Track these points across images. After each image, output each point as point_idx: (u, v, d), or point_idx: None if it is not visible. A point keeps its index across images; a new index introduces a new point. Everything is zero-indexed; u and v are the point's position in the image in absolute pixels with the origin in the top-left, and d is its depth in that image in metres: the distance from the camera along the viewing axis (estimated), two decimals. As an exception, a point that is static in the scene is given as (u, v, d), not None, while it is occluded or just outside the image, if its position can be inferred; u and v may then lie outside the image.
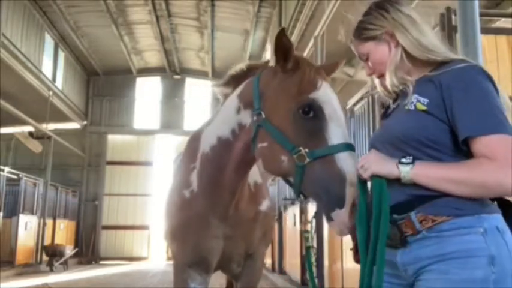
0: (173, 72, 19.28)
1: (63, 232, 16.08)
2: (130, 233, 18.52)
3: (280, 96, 1.75)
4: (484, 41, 3.08)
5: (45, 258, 13.38)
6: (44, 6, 13.78)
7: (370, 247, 1.35)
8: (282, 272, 9.65)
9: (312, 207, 6.59)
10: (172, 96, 19.64)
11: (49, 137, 14.81)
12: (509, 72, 3.25)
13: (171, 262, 2.69)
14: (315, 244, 5.70)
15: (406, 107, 1.41)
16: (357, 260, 1.48)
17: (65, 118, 17.07)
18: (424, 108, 1.36)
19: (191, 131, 2.80)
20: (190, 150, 2.46)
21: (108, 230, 18.34)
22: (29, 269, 12.54)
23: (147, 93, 19.75)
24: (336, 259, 5.36)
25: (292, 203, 9.02)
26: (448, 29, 3.22)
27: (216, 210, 2.28)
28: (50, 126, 14.78)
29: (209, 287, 2.54)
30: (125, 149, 19.12)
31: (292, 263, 8.51)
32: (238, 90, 2.07)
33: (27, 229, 12.86)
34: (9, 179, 12.40)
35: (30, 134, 16.76)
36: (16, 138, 16.51)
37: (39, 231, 13.72)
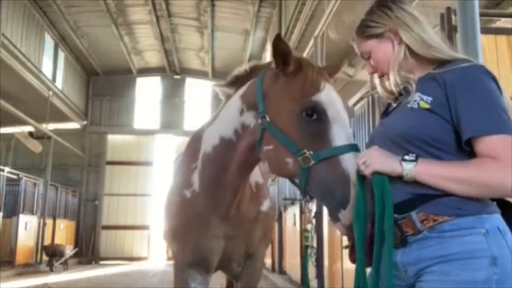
0: (173, 72, 19.28)
1: (63, 232, 16.08)
2: (130, 233, 18.52)
3: (284, 99, 1.76)
4: (484, 41, 3.08)
5: (45, 258, 13.38)
6: (44, 6, 13.78)
7: (376, 247, 1.34)
8: (282, 272, 9.65)
9: (312, 208, 6.58)
10: (172, 96, 19.64)
11: (49, 137, 14.81)
12: (509, 72, 3.25)
13: (171, 262, 2.69)
14: (315, 244, 5.70)
15: (409, 105, 1.41)
16: (353, 260, 1.47)
17: (65, 118, 17.07)
18: (427, 106, 1.36)
19: (191, 131, 2.80)
20: (191, 150, 2.45)
21: (108, 230, 18.34)
22: (29, 269, 12.54)
23: (147, 93, 19.74)
24: (336, 259, 5.36)
25: (292, 203, 9.01)
26: (448, 29, 3.22)
27: (217, 210, 2.28)
28: (50, 126, 14.78)
29: (209, 287, 2.54)
30: (125, 149, 19.12)
31: (292, 263, 8.52)
32: (241, 91, 2.07)
33: (27, 229, 12.85)
34: (9, 179, 12.40)
35: (30, 134, 16.75)
36: (16, 138, 16.50)
37: (39, 231, 13.72)
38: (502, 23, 5.27)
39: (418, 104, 1.38)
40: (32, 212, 13.47)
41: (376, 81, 1.64)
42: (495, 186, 1.25)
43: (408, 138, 1.37)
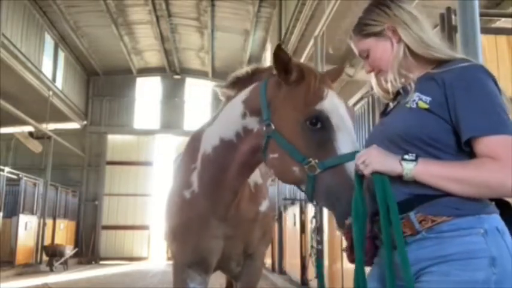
0: (173, 72, 19.28)
1: (63, 232, 16.08)
2: (130, 233, 18.52)
3: (288, 108, 1.77)
4: (484, 41, 3.08)
5: (45, 258, 13.38)
6: (44, 6, 13.77)
7: (386, 248, 1.33)
8: (282, 272, 9.64)
9: (312, 208, 6.59)
10: (172, 96, 19.64)
11: (49, 137, 14.81)
12: (509, 72, 3.25)
13: (171, 262, 2.69)
14: (314, 244, 5.70)
15: (408, 105, 1.40)
16: (351, 260, 1.46)
17: (65, 118, 17.07)
18: (426, 106, 1.35)
19: (191, 131, 2.80)
20: (191, 150, 2.45)
21: (108, 230, 18.33)
22: (29, 269, 12.54)
23: (147, 93, 19.74)
24: (336, 259, 5.36)
25: (292, 203, 9.01)
26: (448, 29, 3.21)
27: (216, 211, 2.28)
28: (50, 126, 14.77)
29: (209, 287, 2.54)
30: (125, 149, 19.11)
31: (292, 263, 8.51)
32: (243, 96, 2.07)
33: (27, 229, 12.85)
34: (9, 179, 12.40)
35: (30, 134, 16.75)
36: (16, 138, 16.50)
37: (39, 231, 13.72)
38: (502, 23, 5.27)
39: (417, 103, 1.37)
40: (32, 212, 13.46)
41: (373, 81, 1.63)
42: (495, 187, 1.25)
43: (407, 138, 1.36)
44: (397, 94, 1.55)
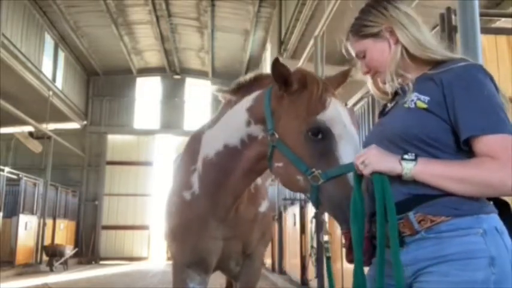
0: (173, 72, 19.28)
1: (63, 232, 16.08)
2: (130, 233, 18.51)
3: (291, 117, 1.78)
4: (484, 41, 3.08)
5: (45, 258, 13.38)
6: (44, 6, 13.77)
7: (379, 248, 1.33)
8: (282, 272, 9.64)
9: (312, 208, 6.58)
10: (172, 96, 19.64)
11: (49, 137, 14.81)
12: (509, 72, 3.25)
13: (171, 262, 2.69)
14: (314, 244, 5.69)
15: (406, 105, 1.40)
16: (349, 260, 1.46)
17: (65, 118, 17.07)
18: (424, 106, 1.35)
19: (191, 131, 2.80)
20: (190, 151, 2.46)
21: (108, 230, 18.33)
22: (29, 269, 12.53)
23: (147, 93, 19.74)
24: (336, 259, 5.36)
25: (292, 203, 9.02)
26: (448, 29, 3.21)
27: (216, 213, 2.29)
28: (50, 126, 14.77)
29: (208, 287, 2.54)
30: (124, 149, 19.11)
31: (292, 263, 8.51)
32: (247, 103, 2.07)
33: (27, 229, 12.85)
34: (9, 179, 12.39)
35: (30, 134, 16.75)
36: (16, 138, 16.50)
37: (39, 231, 13.72)
38: (502, 23, 5.27)
39: (415, 103, 1.37)
40: (32, 212, 13.46)
41: (369, 82, 1.63)
42: (496, 186, 1.25)
43: (406, 138, 1.36)
44: (395, 95, 1.54)
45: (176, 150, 14.19)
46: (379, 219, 1.32)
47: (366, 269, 1.48)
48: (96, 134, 18.97)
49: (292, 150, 1.73)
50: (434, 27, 3.43)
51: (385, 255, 1.34)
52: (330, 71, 6.31)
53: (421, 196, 1.32)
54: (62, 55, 16.44)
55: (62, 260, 13.49)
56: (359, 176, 1.40)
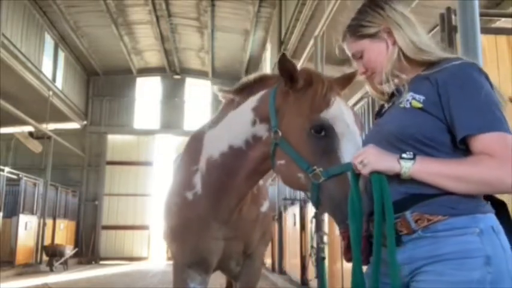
0: (173, 72, 19.28)
1: (63, 232, 16.08)
2: (130, 233, 18.51)
3: (295, 115, 1.78)
4: (484, 41, 3.08)
5: (45, 258, 13.38)
6: (44, 6, 13.77)
7: (375, 247, 1.34)
8: (282, 272, 9.64)
9: (312, 208, 6.58)
10: (172, 96, 19.64)
11: (49, 137, 14.81)
12: (509, 72, 3.25)
13: (171, 262, 2.69)
14: (314, 244, 5.69)
15: (402, 105, 1.40)
16: (348, 259, 1.46)
17: (65, 118, 17.07)
18: (419, 105, 1.36)
19: (191, 131, 2.80)
20: (191, 151, 2.45)
21: (108, 230, 18.34)
22: (29, 269, 12.54)
23: (147, 93, 19.74)
24: (336, 259, 5.36)
25: (292, 203, 9.02)
26: (448, 29, 3.21)
27: (219, 214, 2.29)
28: (50, 126, 14.77)
29: (209, 287, 2.54)
30: (124, 149, 19.11)
31: (292, 263, 8.51)
32: (253, 103, 2.07)
33: (27, 229, 12.85)
34: (9, 179, 12.39)
35: (30, 134, 16.75)
36: (16, 138, 16.50)
37: (39, 231, 13.72)
38: (502, 23, 5.27)
39: (411, 103, 1.38)
40: (32, 212, 13.46)
41: (366, 82, 1.64)
42: (494, 183, 1.25)
43: (402, 138, 1.36)
44: (392, 95, 1.55)
45: (176, 150, 14.19)
46: (376, 218, 1.32)
47: (365, 268, 1.49)
48: (96, 134, 18.97)
49: (294, 147, 1.74)
50: (434, 27, 3.43)
51: (382, 255, 1.34)
52: (330, 71, 6.31)
53: (418, 195, 1.33)
54: (62, 55, 16.44)
55: (62, 260, 13.49)
56: (357, 175, 1.40)
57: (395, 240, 1.33)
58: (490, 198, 1.39)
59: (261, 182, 2.58)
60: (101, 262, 17.29)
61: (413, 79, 1.44)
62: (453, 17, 3.18)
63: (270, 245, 9.51)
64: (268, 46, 14.83)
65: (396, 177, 1.33)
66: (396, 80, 1.48)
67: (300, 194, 7.68)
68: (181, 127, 19.20)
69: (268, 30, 14.64)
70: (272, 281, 9.61)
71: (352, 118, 1.73)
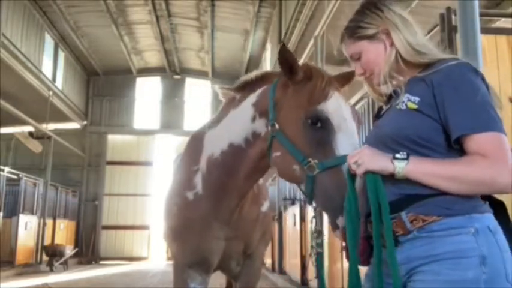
0: (173, 72, 19.28)
1: (63, 232, 16.08)
2: (130, 233, 18.52)
3: (292, 107, 1.79)
4: (484, 41, 3.07)
5: (45, 258, 13.38)
6: (44, 6, 13.78)
7: (375, 247, 1.34)
8: (282, 272, 9.64)
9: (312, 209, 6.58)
10: (172, 96, 19.64)
11: (49, 137, 14.81)
12: (509, 72, 3.24)
13: (171, 262, 2.69)
14: (314, 244, 5.69)
15: (398, 107, 1.41)
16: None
17: (65, 118, 17.08)
18: (415, 107, 1.36)
19: (191, 131, 2.80)
20: (192, 151, 2.45)
21: (108, 230, 18.34)
22: (29, 269, 12.54)
23: (147, 93, 19.74)
24: (336, 259, 5.36)
25: (292, 203, 9.02)
26: (448, 29, 3.21)
27: (220, 214, 2.29)
28: (50, 126, 14.77)
29: (209, 287, 2.54)
30: (124, 149, 19.12)
31: (292, 263, 8.51)
32: (253, 99, 2.08)
33: (27, 229, 12.85)
34: (9, 179, 12.39)
35: (30, 134, 16.75)
36: (16, 138, 16.50)
37: (39, 231, 13.72)
38: (502, 23, 5.27)
39: (406, 105, 1.38)
40: (32, 212, 13.46)
41: (364, 83, 1.64)
42: (487, 183, 1.26)
43: (398, 139, 1.37)
44: (390, 97, 1.55)
45: (176, 150, 14.20)
46: (374, 218, 1.33)
47: (365, 269, 1.49)
48: (96, 134, 18.97)
49: (290, 139, 1.75)
50: (434, 27, 3.43)
51: (382, 255, 1.34)
52: (330, 71, 6.31)
53: (413, 196, 1.33)
54: (62, 55, 16.45)
55: (62, 260, 13.49)
56: (352, 176, 1.40)
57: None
58: (489, 198, 1.39)
59: (261, 181, 2.58)
60: (101, 262, 17.28)
61: (410, 81, 1.45)
62: (453, 17, 3.18)
63: (270, 245, 9.52)
64: (268, 46, 14.83)
65: (391, 178, 1.33)
66: (394, 82, 1.49)
67: (301, 194, 7.68)
68: (181, 127, 19.20)
69: (268, 30, 14.64)
70: (272, 281, 9.61)
71: (350, 113, 1.74)
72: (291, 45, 11.28)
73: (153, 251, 18.54)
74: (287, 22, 11.82)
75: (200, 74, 19.33)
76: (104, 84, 19.33)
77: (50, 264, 12.98)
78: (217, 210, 2.28)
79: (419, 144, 1.34)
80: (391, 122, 1.42)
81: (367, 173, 1.34)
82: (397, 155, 1.32)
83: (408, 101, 1.38)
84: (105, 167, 18.80)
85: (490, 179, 1.25)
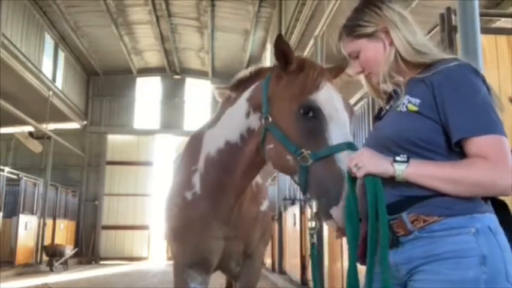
0: (173, 72, 19.28)
1: (63, 232, 16.08)
2: (130, 233, 18.52)
3: (285, 99, 1.79)
4: (484, 41, 3.08)
5: (45, 258, 13.38)
6: (44, 6, 13.78)
7: (369, 249, 1.34)
8: (282, 272, 9.64)
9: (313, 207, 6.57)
10: (172, 96, 19.64)
11: (49, 137, 14.81)
12: (509, 72, 3.24)
13: (171, 262, 2.69)
14: (314, 240, 5.69)
15: (398, 109, 1.41)
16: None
17: (65, 118, 17.08)
18: (415, 109, 1.36)
19: (191, 131, 2.80)
20: (191, 151, 2.46)
21: (108, 230, 18.34)
22: (29, 269, 12.54)
23: (147, 93, 19.75)
24: (336, 259, 5.36)
25: (292, 203, 9.02)
26: (448, 29, 3.21)
27: (219, 213, 2.29)
28: (50, 126, 14.78)
29: (209, 287, 2.54)
30: (124, 149, 19.12)
31: (292, 263, 8.52)
32: (247, 94, 2.08)
33: (27, 229, 12.85)
34: (9, 179, 12.40)
35: (30, 134, 16.76)
36: (16, 138, 16.50)
37: (39, 231, 13.72)
38: (502, 23, 5.27)
39: (407, 107, 1.38)
40: (32, 212, 13.46)
41: (363, 81, 1.63)
42: (487, 186, 1.26)
43: (398, 142, 1.36)
44: (389, 97, 1.54)
45: (176, 150, 14.19)
46: (370, 220, 1.32)
47: (365, 269, 1.49)
48: (96, 134, 18.98)
49: (283, 131, 1.75)
50: (434, 27, 3.43)
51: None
52: (330, 71, 6.31)
53: (413, 197, 1.33)
54: (62, 55, 16.45)
55: (62, 260, 13.49)
56: (353, 178, 1.40)
57: (393, 241, 1.34)
58: (491, 199, 1.38)
59: (260, 181, 2.59)
60: (101, 262, 17.28)
61: (409, 81, 1.44)
62: (453, 17, 3.19)
63: (270, 245, 9.52)
64: (268, 46, 14.82)
65: (390, 180, 1.33)
66: (394, 79, 1.48)
67: (300, 194, 7.67)
68: (181, 127, 19.20)
69: (268, 30, 14.64)
70: (272, 281, 9.61)
71: (342, 103, 1.74)
72: (291, 45, 11.28)
73: (153, 251, 18.54)
74: (287, 22, 11.82)
75: (200, 74, 19.33)
76: (104, 84, 19.34)
77: (50, 264, 12.98)
78: (216, 209, 2.28)
79: (420, 146, 1.34)
80: (391, 125, 1.42)
81: (367, 175, 1.34)
82: (397, 158, 1.32)
83: (409, 103, 1.38)
84: (105, 167, 18.80)
85: (491, 181, 1.25)
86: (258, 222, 2.51)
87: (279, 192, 9.96)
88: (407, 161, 1.31)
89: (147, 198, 18.79)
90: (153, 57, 18.23)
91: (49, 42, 15.13)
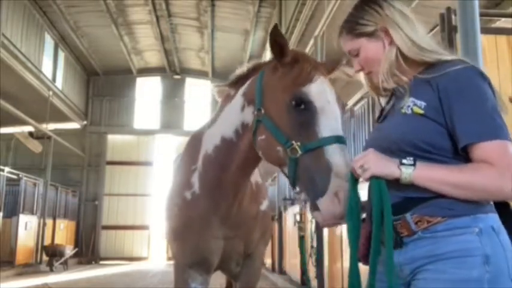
0: (173, 72, 19.29)
1: (63, 232, 16.09)
2: (130, 233, 18.52)
3: (278, 90, 1.79)
4: (484, 41, 3.08)
5: (45, 258, 13.38)
6: (44, 6, 13.78)
7: (373, 249, 1.34)
8: (282, 272, 9.65)
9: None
10: (172, 96, 19.65)
11: (49, 137, 14.81)
12: (509, 72, 3.25)
13: (171, 262, 2.69)
14: (314, 244, 5.70)
15: (403, 111, 1.39)
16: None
17: (65, 118, 17.08)
18: (421, 112, 1.35)
19: (191, 131, 2.81)
20: (191, 150, 2.46)
21: (108, 230, 18.34)
22: (29, 269, 12.54)
23: (147, 93, 19.75)
24: (336, 259, 5.36)
25: (292, 203, 9.01)
26: (448, 29, 3.21)
27: (218, 211, 2.29)
28: (50, 126, 14.78)
29: (209, 287, 2.54)
30: (124, 149, 19.12)
31: (292, 263, 8.51)
32: (243, 89, 2.09)
33: (27, 229, 12.86)
34: (9, 179, 12.40)
35: (30, 134, 16.76)
36: (16, 138, 16.51)
37: (39, 231, 13.72)
38: (502, 23, 5.27)
39: (412, 109, 1.37)
40: (32, 212, 13.47)
41: (363, 79, 1.63)
42: (493, 192, 1.26)
43: (403, 144, 1.36)
44: (391, 96, 1.54)
45: (176, 150, 14.19)
46: (375, 221, 1.32)
47: (365, 268, 1.49)
48: (96, 134, 18.98)
49: (275, 122, 1.75)
50: (434, 27, 3.43)
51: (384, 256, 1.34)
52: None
53: (416, 198, 1.33)
54: (62, 55, 16.44)
55: (62, 260, 13.50)
56: (355, 179, 1.40)
57: (397, 242, 1.34)
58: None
59: (260, 180, 2.59)
60: (101, 262, 17.29)
61: (414, 82, 1.42)
62: (453, 17, 3.19)
63: (270, 245, 9.51)
64: (268, 46, 14.82)
65: (395, 182, 1.33)
66: (395, 78, 1.46)
67: (301, 194, 7.66)
68: (181, 127, 19.20)
69: (268, 30, 14.61)
70: (272, 281, 9.61)
71: (334, 97, 1.74)
72: (291, 45, 11.28)
73: (153, 251, 18.54)
74: (287, 22, 11.82)
75: (200, 74, 19.33)
76: (104, 84, 19.34)
77: (50, 264, 12.98)
78: (215, 207, 2.28)
79: (425, 149, 1.34)
80: (396, 127, 1.41)
81: (372, 177, 1.34)
82: (404, 161, 1.31)
83: (414, 105, 1.37)
84: (105, 167, 18.80)
85: (496, 187, 1.25)
86: (258, 222, 2.51)
87: (279, 192, 9.96)
88: (414, 164, 1.30)
89: (147, 198, 18.79)
90: (153, 57, 18.24)
91: (49, 42, 15.13)
